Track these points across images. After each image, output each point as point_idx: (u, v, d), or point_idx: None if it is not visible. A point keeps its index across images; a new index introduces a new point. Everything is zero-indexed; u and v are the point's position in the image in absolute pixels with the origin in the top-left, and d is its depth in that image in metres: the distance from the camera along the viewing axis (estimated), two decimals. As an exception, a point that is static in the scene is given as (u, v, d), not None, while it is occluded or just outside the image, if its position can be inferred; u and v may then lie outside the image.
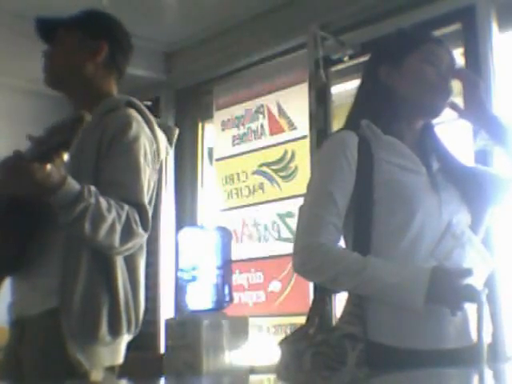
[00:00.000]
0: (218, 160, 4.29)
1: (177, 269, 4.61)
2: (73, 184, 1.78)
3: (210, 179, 4.39)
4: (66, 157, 1.79)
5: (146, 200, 1.95)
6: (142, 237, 1.92)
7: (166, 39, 4.37)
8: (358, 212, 1.71)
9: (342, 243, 1.77)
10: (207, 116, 4.44)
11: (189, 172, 4.48)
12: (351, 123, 1.82)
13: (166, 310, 4.18)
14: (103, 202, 1.82)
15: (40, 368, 1.90)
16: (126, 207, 1.87)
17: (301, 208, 1.77)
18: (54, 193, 1.76)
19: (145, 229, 1.91)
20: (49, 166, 1.74)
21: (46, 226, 1.91)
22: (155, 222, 4.41)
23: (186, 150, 4.49)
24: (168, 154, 2.22)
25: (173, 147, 2.24)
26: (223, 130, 4.26)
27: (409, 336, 1.65)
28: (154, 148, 2.06)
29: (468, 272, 1.61)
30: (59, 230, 1.87)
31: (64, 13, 2.16)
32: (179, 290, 4.35)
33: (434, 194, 1.73)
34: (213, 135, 4.38)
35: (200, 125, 4.53)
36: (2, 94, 4.04)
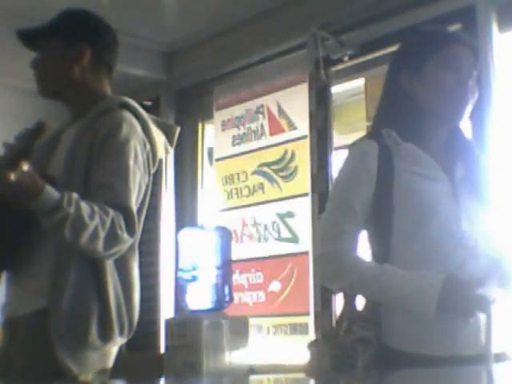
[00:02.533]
0: (217, 160, 4.28)
1: (177, 269, 4.61)
2: (51, 193, 1.78)
3: (209, 179, 4.39)
4: (25, 166, 1.75)
5: (134, 204, 1.94)
6: (128, 242, 1.92)
7: (166, 39, 4.37)
8: (378, 219, 1.75)
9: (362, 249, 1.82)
10: (207, 116, 4.44)
11: (189, 172, 4.48)
12: (373, 131, 1.85)
13: (166, 310, 4.18)
14: (85, 209, 1.82)
15: (28, 369, 1.90)
16: (112, 213, 1.86)
17: (322, 216, 1.85)
18: (32, 201, 1.77)
19: (130, 234, 1.91)
20: (17, 172, 1.72)
21: (37, 226, 1.89)
22: (155, 222, 4.43)
23: (186, 150, 4.49)
24: (168, 153, 2.20)
25: (173, 146, 2.22)
26: (223, 130, 4.26)
27: (423, 342, 1.67)
28: (147, 149, 2.04)
29: (480, 282, 1.64)
30: (47, 231, 1.87)
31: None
32: (179, 290, 4.36)
33: (453, 202, 1.74)
34: (213, 135, 4.38)
35: (200, 125, 4.53)
36: (2, 94, 4.04)
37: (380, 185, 1.74)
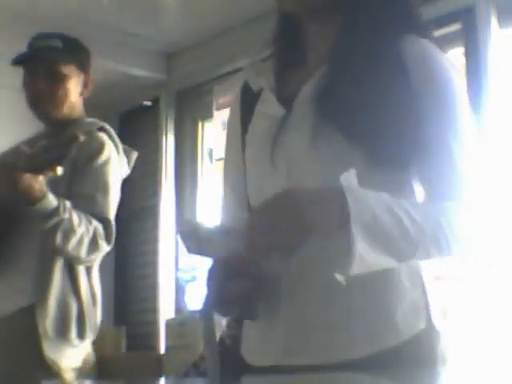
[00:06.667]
0: (218, 160, 4.28)
1: (177, 269, 4.59)
2: (51, 199, 1.97)
3: (209, 179, 4.39)
4: (59, 171, 1.90)
5: (113, 215, 2.17)
6: (105, 250, 2.13)
7: (166, 39, 4.37)
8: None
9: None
10: (207, 116, 4.44)
11: (189, 172, 4.48)
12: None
13: (166, 310, 4.18)
14: (75, 216, 2.02)
15: (10, 367, 2.03)
16: (94, 222, 2.07)
17: None
18: (33, 204, 1.94)
19: (108, 242, 2.12)
20: (30, 178, 1.90)
21: (22, 227, 2.07)
22: (155, 222, 4.43)
23: (186, 150, 4.49)
24: (126, 175, 2.36)
25: (130, 169, 2.37)
26: (223, 129, 4.26)
27: (247, 349, 1.29)
28: (120, 169, 2.26)
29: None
30: (34, 231, 2.04)
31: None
32: (179, 290, 4.36)
33: (274, 139, 1.25)
34: (213, 135, 4.38)
35: (200, 125, 4.53)
36: (2, 94, 4.04)
37: (242, 137, 1.37)
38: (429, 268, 1.24)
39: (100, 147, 2.18)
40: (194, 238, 1.16)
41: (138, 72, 4.34)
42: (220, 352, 1.22)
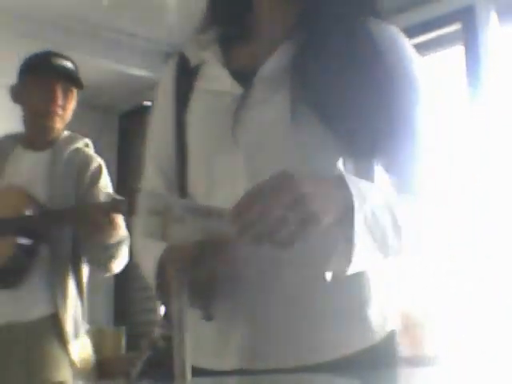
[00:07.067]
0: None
1: (177, 269, 4.57)
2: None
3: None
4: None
5: None
6: (126, 261, 2.31)
7: (166, 39, 4.37)
8: (178, 162, 1.24)
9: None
10: (207, 116, 4.43)
11: (189, 172, 4.49)
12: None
13: (166, 310, 4.18)
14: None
15: (41, 367, 2.16)
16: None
17: None
18: (104, 239, 2.15)
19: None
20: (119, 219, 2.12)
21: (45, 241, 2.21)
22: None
23: (186, 150, 4.49)
24: None
25: None
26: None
27: (199, 352, 1.11)
28: None
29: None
30: (46, 246, 2.19)
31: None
32: (179, 290, 4.35)
33: (233, 115, 1.13)
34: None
35: (200, 125, 4.53)
36: (2, 94, 4.04)
37: (177, 115, 1.23)
38: (393, 265, 1.15)
39: (99, 168, 2.33)
40: (163, 219, 0.92)
41: (138, 72, 4.34)
42: (153, 356, 1.19)
